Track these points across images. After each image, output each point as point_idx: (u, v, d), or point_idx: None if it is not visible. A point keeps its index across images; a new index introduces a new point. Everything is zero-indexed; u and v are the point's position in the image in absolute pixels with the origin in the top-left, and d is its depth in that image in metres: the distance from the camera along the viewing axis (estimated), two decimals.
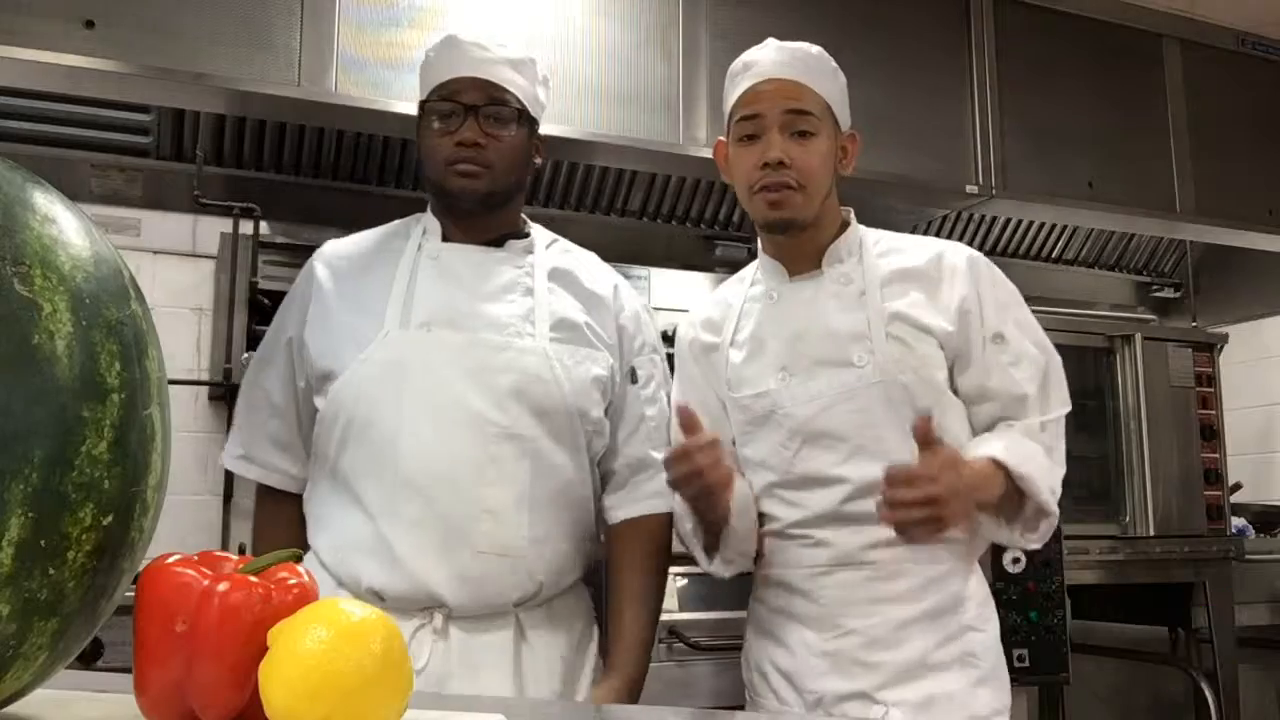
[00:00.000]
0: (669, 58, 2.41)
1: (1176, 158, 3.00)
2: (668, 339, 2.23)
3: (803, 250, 1.59)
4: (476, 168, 1.52)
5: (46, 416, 0.61)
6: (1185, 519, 2.81)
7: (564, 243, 1.69)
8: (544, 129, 2.28)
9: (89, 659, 1.74)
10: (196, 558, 0.70)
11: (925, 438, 1.34)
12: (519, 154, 1.57)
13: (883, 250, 1.59)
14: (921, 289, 1.54)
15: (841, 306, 1.55)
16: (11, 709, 0.69)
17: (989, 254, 3.21)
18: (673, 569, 2.19)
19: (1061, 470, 1.50)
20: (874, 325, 1.51)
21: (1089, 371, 2.92)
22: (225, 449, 1.64)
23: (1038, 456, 1.46)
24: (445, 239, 1.59)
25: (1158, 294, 3.69)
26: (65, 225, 0.68)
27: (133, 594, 0.68)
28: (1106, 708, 3.23)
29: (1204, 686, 2.71)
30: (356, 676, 0.61)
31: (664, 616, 2.13)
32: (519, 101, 1.56)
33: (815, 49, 1.59)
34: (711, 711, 1.80)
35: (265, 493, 1.63)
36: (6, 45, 1.89)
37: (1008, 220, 3.21)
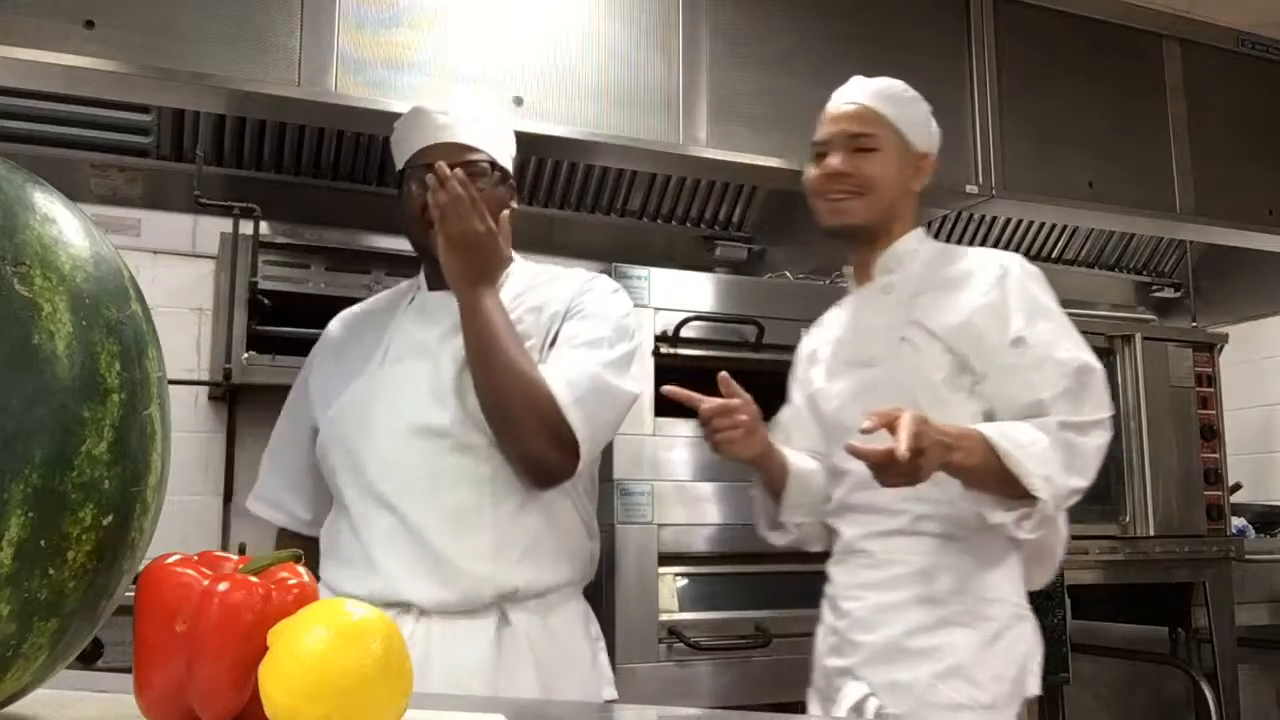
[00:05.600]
0: (669, 58, 2.41)
1: (1176, 158, 3.00)
2: (666, 339, 2.25)
3: (869, 262, 1.72)
4: None
5: (46, 416, 0.61)
6: (1185, 519, 2.81)
7: (533, 266, 1.70)
8: (544, 129, 2.30)
9: (89, 659, 1.74)
10: (196, 558, 0.70)
11: (880, 425, 1.36)
12: (491, 204, 1.59)
13: (935, 262, 1.68)
14: (947, 296, 1.62)
15: (876, 312, 1.67)
16: (11, 709, 0.69)
17: None
18: (673, 569, 2.20)
19: (1080, 476, 1.48)
20: (894, 329, 1.62)
21: None
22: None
23: (1038, 443, 1.45)
24: (433, 288, 1.67)
25: (1158, 294, 3.69)
26: (65, 225, 0.68)
27: (133, 594, 0.68)
28: (1106, 708, 3.24)
29: (1204, 686, 2.71)
30: (356, 676, 0.61)
31: (664, 616, 2.14)
32: (486, 155, 1.62)
33: (891, 80, 1.72)
34: (711, 712, 1.80)
35: (281, 533, 1.76)
36: (6, 45, 1.88)
37: (1008, 220, 3.21)
